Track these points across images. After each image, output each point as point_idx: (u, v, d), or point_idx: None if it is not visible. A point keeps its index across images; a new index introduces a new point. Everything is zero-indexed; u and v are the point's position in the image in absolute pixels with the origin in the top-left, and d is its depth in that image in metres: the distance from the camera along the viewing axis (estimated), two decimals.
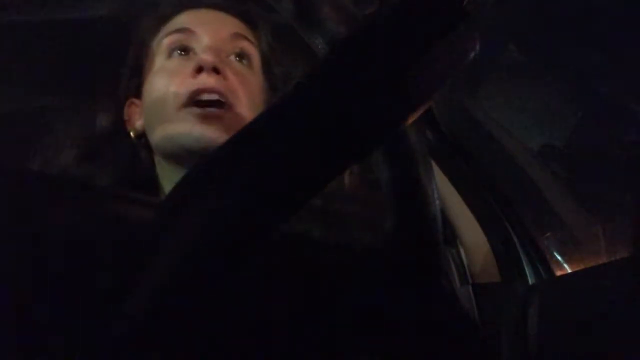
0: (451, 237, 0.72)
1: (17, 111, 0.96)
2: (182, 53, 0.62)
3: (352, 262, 0.43)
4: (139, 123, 0.65)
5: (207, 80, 0.58)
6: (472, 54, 0.31)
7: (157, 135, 0.61)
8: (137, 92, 0.66)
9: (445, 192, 0.74)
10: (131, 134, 0.65)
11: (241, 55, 0.64)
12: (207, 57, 0.59)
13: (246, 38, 0.64)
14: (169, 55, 0.63)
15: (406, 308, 0.43)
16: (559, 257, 0.71)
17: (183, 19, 0.65)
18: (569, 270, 0.70)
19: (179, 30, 0.63)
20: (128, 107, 0.67)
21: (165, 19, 0.66)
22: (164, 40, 0.64)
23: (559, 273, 0.70)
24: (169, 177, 0.62)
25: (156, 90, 0.61)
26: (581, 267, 0.70)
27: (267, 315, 0.37)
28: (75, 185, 0.42)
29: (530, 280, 0.69)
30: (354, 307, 0.42)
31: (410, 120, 0.33)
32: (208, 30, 0.63)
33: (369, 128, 0.29)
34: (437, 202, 0.38)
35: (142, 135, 0.64)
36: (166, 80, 0.60)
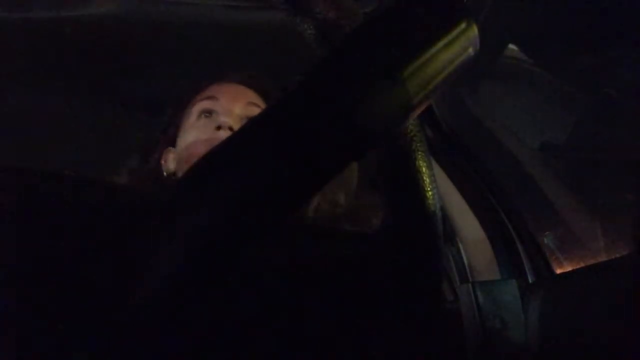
0: (451, 234, 0.72)
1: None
2: (208, 115, 0.82)
3: (350, 260, 0.43)
4: (172, 165, 0.84)
5: (224, 134, 0.77)
6: (473, 52, 0.31)
7: None
8: (173, 142, 0.85)
9: (445, 190, 0.74)
10: (164, 172, 0.84)
11: None
12: (224, 119, 0.79)
13: (258, 106, 0.84)
14: (198, 117, 0.82)
15: (405, 306, 0.43)
16: (558, 255, 0.71)
17: (211, 90, 0.85)
18: (569, 268, 0.70)
19: (207, 98, 0.84)
20: (166, 153, 0.86)
21: (200, 90, 0.86)
22: (196, 107, 0.83)
23: (558, 271, 0.70)
24: None
25: (188, 141, 0.81)
26: (581, 265, 0.70)
27: (262, 311, 0.37)
28: (79, 179, 0.42)
29: (530, 278, 0.69)
30: (351, 304, 0.42)
31: (411, 118, 0.33)
32: (228, 99, 0.83)
33: (369, 126, 0.29)
34: (437, 199, 0.38)
35: (173, 174, 0.84)
36: (195, 134, 0.81)
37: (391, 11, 0.30)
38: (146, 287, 0.27)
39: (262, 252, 0.31)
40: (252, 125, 0.30)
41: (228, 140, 0.30)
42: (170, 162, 0.85)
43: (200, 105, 0.83)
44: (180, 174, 0.83)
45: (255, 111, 0.83)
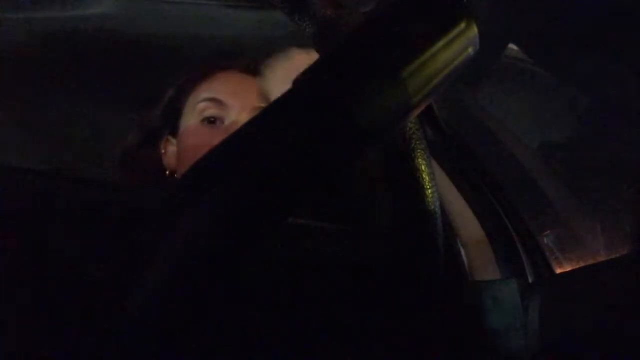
0: (450, 234, 0.72)
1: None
2: (212, 122, 0.76)
3: (350, 259, 0.43)
4: (172, 161, 0.79)
5: None
6: (473, 52, 0.31)
7: None
8: (174, 132, 0.80)
9: (444, 189, 0.74)
10: (167, 168, 0.80)
11: None
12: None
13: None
14: (202, 121, 0.76)
15: (405, 305, 0.43)
16: (558, 255, 0.71)
17: (216, 87, 0.78)
18: (569, 268, 0.70)
19: (211, 100, 0.76)
20: (165, 142, 0.81)
21: (203, 76, 0.79)
22: (199, 105, 0.77)
23: (558, 271, 0.70)
24: None
25: (189, 151, 0.76)
26: (581, 264, 0.70)
27: (263, 310, 0.37)
28: (78, 179, 0.42)
29: (530, 278, 0.69)
30: (351, 304, 0.42)
31: (411, 118, 0.33)
32: (236, 103, 0.76)
33: (369, 126, 0.29)
34: (437, 198, 0.38)
35: (173, 173, 0.79)
36: (197, 143, 0.75)
37: (391, 11, 0.30)
38: (146, 289, 0.27)
39: (262, 252, 0.31)
40: (252, 125, 0.30)
41: (228, 140, 0.30)
42: (171, 155, 0.81)
43: (203, 106, 0.77)
44: (179, 175, 0.79)
45: None
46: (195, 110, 0.78)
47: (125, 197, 0.39)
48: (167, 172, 0.81)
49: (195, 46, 1.01)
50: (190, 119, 0.78)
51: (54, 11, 0.94)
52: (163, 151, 0.82)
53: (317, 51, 0.39)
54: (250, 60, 0.81)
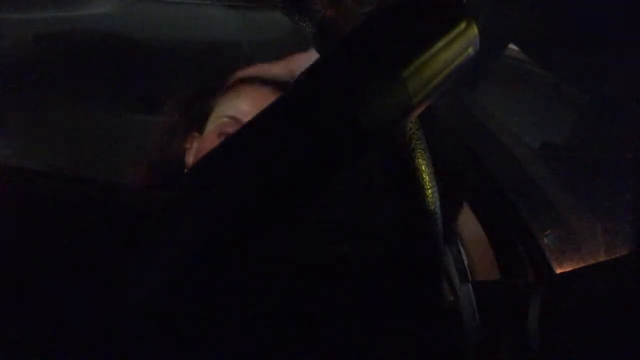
0: (451, 234, 0.72)
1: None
2: None
3: (350, 259, 0.43)
4: (194, 159, 0.78)
5: None
6: (473, 52, 0.31)
7: None
8: (200, 129, 0.80)
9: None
10: (187, 165, 0.79)
11: None
12: None
13: None
14: (219, 136, 0.75)
15: (405, 305, 0.43)
16: (558, 255, 0.70)
17: (240, 105, 0.77)
18: (569, 268, 0.70)
19: (232, 118, 0.76)
20: (191, 137, 0.82)
21: (231, 85, 0.79)
22: (221, 120, 0.77)
23: (558, 271, 0.70)
24: None
25: None
26: (581, 264, 0.70)
27: (263, 309, 0.37)
28: (78, 179, 0.42)
29: (530, 278, 0.69)
30: (351, 304, 0.42)
31: (411, 118, 0.33)
32: None
33: (369, 126, 0.29)
34: (437, 197, 0.38)
35: None
36: None
37: (391, 11, 0.30)
38: (146, 288, 0.27)
39: (263, 253, 0.31)
40: (252, 125, 0.30)
41: (228, 141, 0.30)
42: (194, 151, 0.81)
43: (224, 124, 0.77)
44: None
45: None
46: (217, 122, 0.78)
47: (125, 197, 0.39)
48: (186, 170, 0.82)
49: (195, 46, 1.01)
50: (212, 129, 0.79)
51: (54, 11, 0.94)
52: (189, 146, 0.83)
53: (317, 51, 0.39)
54: (274, 71, 0.81)
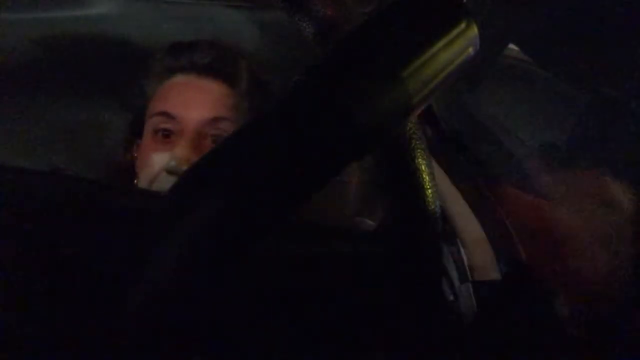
0: (451, 234, 0.72)
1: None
2: (165, 135, 0.74)
3: (349, 259, 0.43)
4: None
5: (180, 170, 0.69)
6: (473, 52, 0.31)
7: None
8: (141, 136, 0.78)
9: (444, 189, 0.74)
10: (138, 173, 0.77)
11: (219, 138, 0.75)
12: (181, 154, 0.71)
13: (225, 118, 0.75)
14: (154, 134, 0.75)
15: (405, 305, 0.43)
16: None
17: (169, 97, 0.76)
18: None
19: (163, 114, 0.75)
20: (137, 146, 0.80)
21: (161, 80, 0.78)
22: (152, 119, 0.76)
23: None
24: None
25: (142, 163, 0.75)
26: None
27: (263, 308, 0.37)
28: (78, 178, 0.43)
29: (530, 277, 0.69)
30: (351, 303, 0.42)
31: (411, 117, 0.33)
32: (188, 116, 0.73)
33: (369, 126, 0.29)
34: (437, 197, 0.38)
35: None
36: (149, 161, 0.73)
37: (391, 11, 0.30)
38: (147, 288, 0.27)
39: (262, 251, 0.31)
40: (252, 125, 0.30)
41: (228, 140, 0.30)
42: (138, 160, 0.80)
43: (156, 120, 0.75)
44: (140, 183, 0.76)
45: (221, 126, 0.75)
46: (149, 122, 0.77)
47: (125, 197, 0.39)
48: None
49: None
50: (146, 130, 0.77)
51: (54, 11, 0.94)
52: (135, 155, 0.81)
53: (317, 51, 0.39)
54: (206, 57, 0.78)
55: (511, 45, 0.99)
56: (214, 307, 0.30)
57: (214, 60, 0.78)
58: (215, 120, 0.75)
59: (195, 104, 0.75)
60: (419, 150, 0.36)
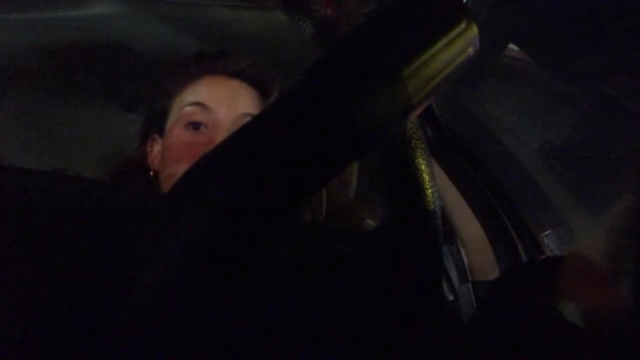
0: (451, 234, 0.73)
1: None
2: (197, 128, 0.73)
3: (349, 259, 0.43)
4: (157, 163, 0.77)
5: None
6: (473, 52, 0.31)
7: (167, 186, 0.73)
8: (160, 132, 0.78)
9: (445, 190, 0.75)
10: (150, 167, 0.78)
11: None
12: (215, 140, 0.70)
13: (252, 115, 0.74)
14: (186, 125, 0.74)
15: (404, 305, 0.43)
16: (558, 254, 0.71)
17: (203, 91, 0.76)
18: None
19: (197, 104, 0.74)
20: (151, 140, 0.80)
21: (191, 79, 0.77)
22: (185, 109, 0.75)
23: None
24: None
25: (172, 154, 0.74)
26: None
27: (263, 308, 0.37)
28: (79, 179, 0.42)
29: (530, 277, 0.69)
30: (351, 304, 0.42)
31: (411, 118, 0.33)
32: (221, 109, 0.74)
33: (369, 126, 0.29)
34: (437, 197, 0.38)
35: (156, 175, 0.77)
36: (181, 152, 0.72)
37: (391, 11, 0.30)
38: (147, 288, 0.28)
39: (261, 252, 0.31)
40: (252, 125, 0.30)
41: (228, 140, 0.30)
42: (156, 155, 0.80)
43: (188, 110, 0.75)
44: (162, 176, 0.76)
45: None
46: (181, 113, 0.76)
47: (125, 197, 0.39)
48: (151, 172, 0.80)
49: (195, 46, 1.01)
50: (176, 122, 0.77)
51: (54, 11, 0.94)
52: (149, 149, 0.81)
53: (317, 51, 0.39)
54: (239, 64, 0.79)
55: (511, 45, 0.99)
56: (214, 307, 0.30)
57: (248, 67, 0.79)
58: (245, 116, 0.75)
59: (229, 100, 0.76)
60: (419, 150, 0.36)
